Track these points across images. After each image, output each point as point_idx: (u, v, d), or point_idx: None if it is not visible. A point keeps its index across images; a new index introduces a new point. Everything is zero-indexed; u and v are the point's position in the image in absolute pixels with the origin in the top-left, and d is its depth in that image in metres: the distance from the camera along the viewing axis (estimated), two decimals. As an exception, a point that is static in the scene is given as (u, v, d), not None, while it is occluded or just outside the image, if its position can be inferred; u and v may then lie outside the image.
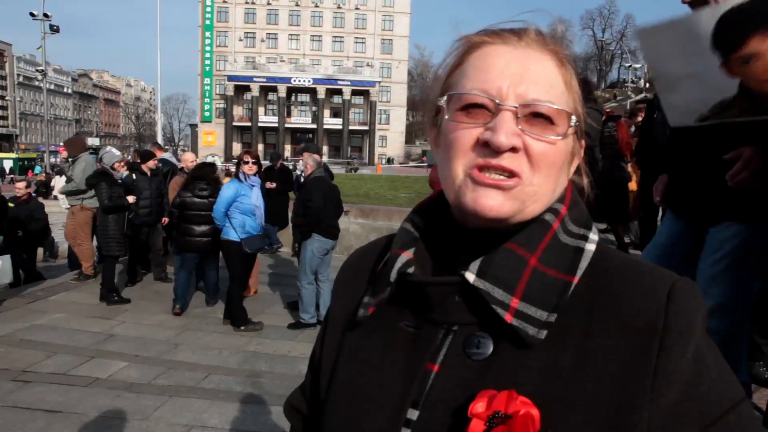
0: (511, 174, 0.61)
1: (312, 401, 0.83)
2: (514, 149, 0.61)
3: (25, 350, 4.89)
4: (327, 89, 67.57)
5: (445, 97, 0.65)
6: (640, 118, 6.71)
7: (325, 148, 68.51)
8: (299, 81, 67.23)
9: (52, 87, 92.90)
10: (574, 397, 0.57)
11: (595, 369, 0.58)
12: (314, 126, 69.11)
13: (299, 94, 71.74)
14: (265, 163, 8.55)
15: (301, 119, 71.86)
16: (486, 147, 0.61)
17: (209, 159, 15.24)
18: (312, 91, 69.15)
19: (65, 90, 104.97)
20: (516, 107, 0.61)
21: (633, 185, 6.64)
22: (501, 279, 0.61)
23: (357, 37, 73.42)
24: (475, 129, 0.62)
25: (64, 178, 8.48)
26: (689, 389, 0.57)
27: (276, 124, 68.05)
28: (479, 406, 0.57)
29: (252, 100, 67.91)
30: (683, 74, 1.68)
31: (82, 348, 5.00)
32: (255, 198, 5.72)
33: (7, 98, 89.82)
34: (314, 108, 70.28)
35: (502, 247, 0.63)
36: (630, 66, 42.12)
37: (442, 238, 0.70)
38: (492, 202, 0.61)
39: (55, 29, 35.55)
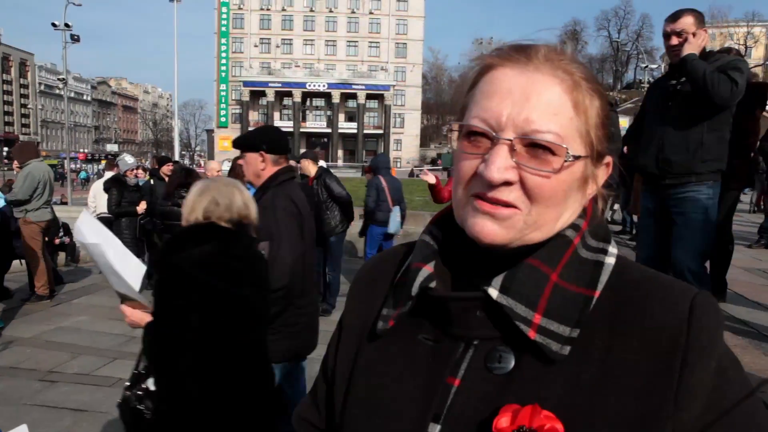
0: (507, 205, 0.61)
1: (328, 413, 0.80)
2: (508, 183, 0.61)
3: (50, 351, 5.04)
4: (341, 93, 67.87)
5: (455, 123, 0.66)
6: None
7: (339, 152, 68.88)
8: (314, 86, 67.57)
9: (72, 95, 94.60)
10: (598, 411, 0.57)
11: (617, 383, 0.58)
12: (329, 130, 69.46)
13: (314, 99, 72.13)
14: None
15: (316, 124, 72.16)
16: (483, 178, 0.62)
17: (225, 164, 15.40)
18: (327, 96, 69.50)
19: (85, 97, 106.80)
20: (511, 140, 0.61)
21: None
22: (524, 295, 0.61)
23: (371, 42, 73.73)
24: (475, 159, 0.63)
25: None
26: (711, 403, 0.57)
27: (291, 129, 68.55)
28: (503, 421, 0.57)
29: (267, 106, 68.48)
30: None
31: (105, 349, 5.14)
32: None
33: (29, 106, 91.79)
34: (329, 112, 70.63)
35: (524, 263, 0.63)
36: (646, 66, 41.52)
37: (461, 251, 0.69)
38: (488, 230, 0.62)
39: (75, 39, 36.10)
